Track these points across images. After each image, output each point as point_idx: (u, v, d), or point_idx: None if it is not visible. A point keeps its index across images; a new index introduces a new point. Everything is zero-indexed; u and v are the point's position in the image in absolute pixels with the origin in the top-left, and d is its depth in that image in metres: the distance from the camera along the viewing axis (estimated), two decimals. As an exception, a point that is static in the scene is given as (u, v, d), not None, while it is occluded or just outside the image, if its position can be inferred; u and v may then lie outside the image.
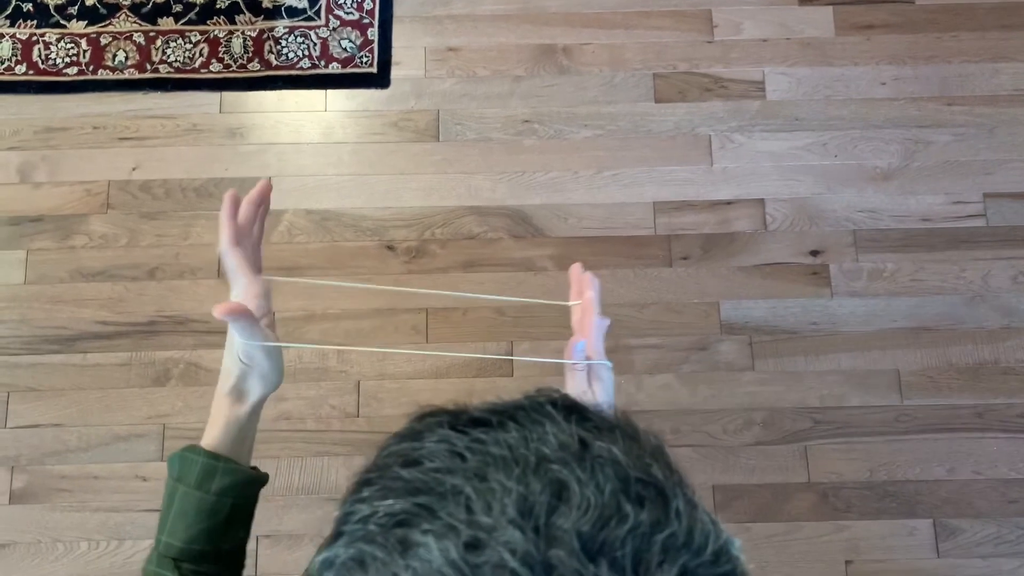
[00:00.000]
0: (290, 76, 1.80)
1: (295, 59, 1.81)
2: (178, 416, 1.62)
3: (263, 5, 1.84)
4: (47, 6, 1.83)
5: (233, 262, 0.69)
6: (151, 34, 1.82)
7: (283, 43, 1.81)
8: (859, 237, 1.72)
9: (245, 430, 0.68)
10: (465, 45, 1.83)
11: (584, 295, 0.79)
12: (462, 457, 0.33)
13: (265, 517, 1.55)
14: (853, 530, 1.58)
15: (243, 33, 1.82)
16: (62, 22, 1.82)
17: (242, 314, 0.64)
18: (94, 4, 1.83)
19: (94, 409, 1.62)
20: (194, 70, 1.79)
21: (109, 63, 1.80)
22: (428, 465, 0.34)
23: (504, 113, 1.79)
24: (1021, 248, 1.71)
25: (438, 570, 0.29)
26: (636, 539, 0.30)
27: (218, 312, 0.62)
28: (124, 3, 1.83)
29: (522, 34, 1.83)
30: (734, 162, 1.76)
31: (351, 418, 1.61)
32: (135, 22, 1.82)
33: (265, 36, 1.82)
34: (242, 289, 0.69)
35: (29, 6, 1.83)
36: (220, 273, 1.69)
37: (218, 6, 1.83)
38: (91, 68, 1.79)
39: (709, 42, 1.83)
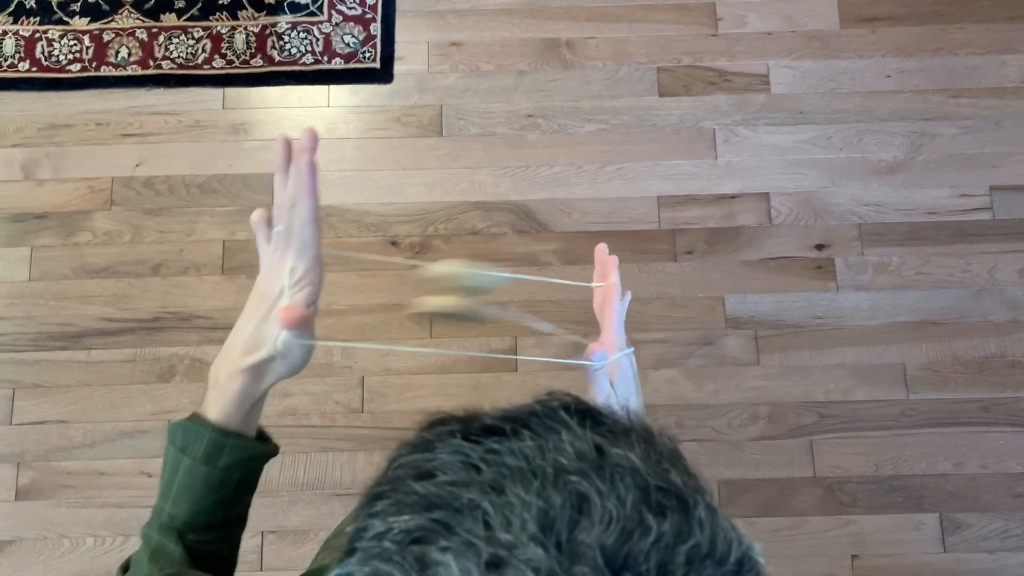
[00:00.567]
0: (293, 72, 1.79)
1: (298, 55, 1.80)
2: (183, 412, 1.60)
3: (265, 1, 1.83)
4: (50, 3, 1.83)
5: (308, 234, 0.58)
6: (154, 30, 1.81)
7: (286, 39, 1.81)
8: (864, 231, 1.71)
9: (258, 406, 0.64)
10: (468, 40, 1.82)
11: (608, 278, 0.76)
12: (477, 469, 0.32)
13: (270, 513, 1.55)
14: (859, 524, 1.57)
15: (246, 29, 1.82)
16: (65, 19, 1.82)
17: (306, 323, 0.59)
18: (96, 1, 1.83)
19: (99, 405, 1.62)
20: (197, 66, 1.79)
21: (112, 59, 1.80)
22: (442, 478, 0.32)
23: (508, 108, 1.78)
24: (1028, 241, 1.70)
25: None
26: (660, 552, 0.29)
27: (286, 323, 0.57)
28: (127, -1, 1.83)
29: (525, 28, 1.83)
30: (738, 156, 1.75)
31: (356, 413, 1.61)
32: (138, 18, 1.82)
33: (268, 32, 1.81)
34: (307, 271, 0.59)
35: (32, 2, 1.83)
36: (224, 269, 1.69)
37: (220, 2, 1.83)
38: (94, 65, 1.79)
39: (713, 35, 1.82)
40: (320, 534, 1.52)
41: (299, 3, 1.84)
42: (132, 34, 1.81)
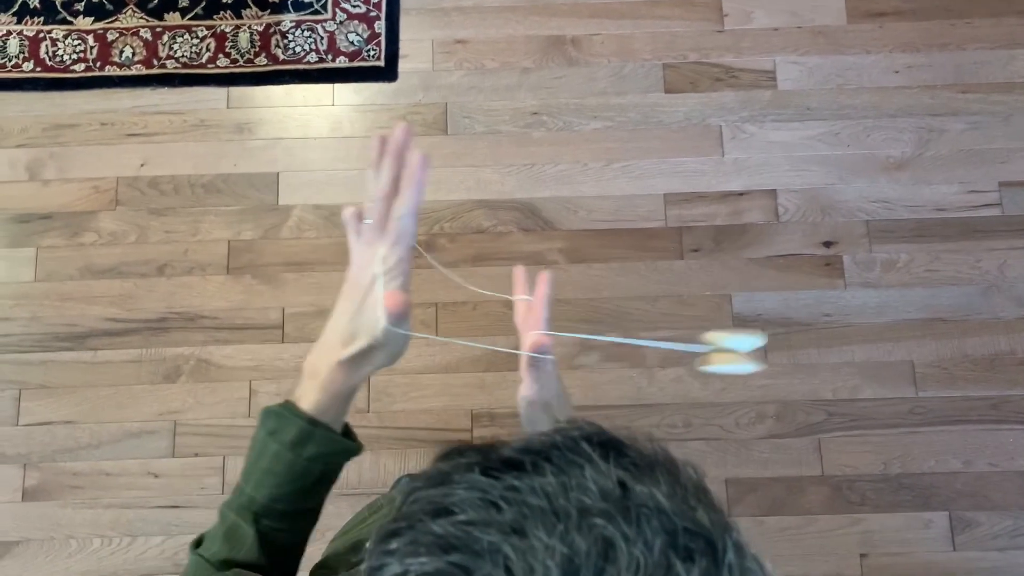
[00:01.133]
0: (297, 70, 1.79)
1: (302, 53, 1.80)
2: (189, 412, 1.62)
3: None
4: (54, 2, 1.82)
5: (407, 225, 0.59)
6: (158, 30, 1.81)
7: (290, 37, 1.80)
8: (872, 228, 1.70)
9: (351, 399, 0.63)
10: (473, 37, 1.81)
11: (537, 289, 0.73)
12: (497, 507, 0.31)
13: (277, 513, 1.55)
14: (868, 523, 1.56)
15: (250, 27, 1.81)
16: (69, 18, 1.82)
17: (407, 310, 0.60)
18: (100, 0, 1.83)
19: (105, 406, 1.62)
20: (201, 65, 1.79)
21: (116, 59, 1.79)
22: (460, 516, 0.31)
23: (513, 105, 1.77)
24: (1037, 237, 1.69)
25: None
26: None
27: (393, 308, 0.58)
28: (130, -1, 1.83)
29: (530, 25, 1.82)
30: (745, 153, 1.74)
31: (361, 413, 1.61)
32: (142, 18, 1.82)
33: (272, 30, 1.81)
34: (399, 260, 0.60)
35: (36, 2, 1.83)
36: (229, 269, 1.69)
37: (224, 1, 1.83)
38: (98, 64, 1.79)
39: (719, 31, 1.81)
40: (327, 534, 1.52)
41: (303, 1, 1.83)
42: (136, 33, 1.81)
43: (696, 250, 1.69)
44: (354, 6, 1.83)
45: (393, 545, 0.32)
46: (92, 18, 1.82)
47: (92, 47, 1.80)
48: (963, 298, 1.66)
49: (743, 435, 1.60)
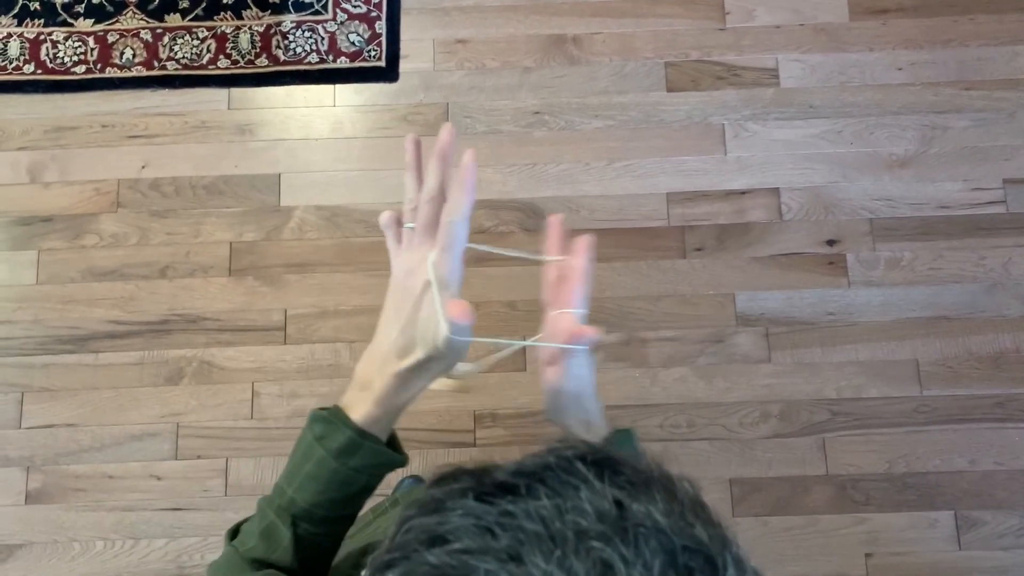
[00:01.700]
0: (298, 71, 1.78)
1: (303, 54, 1.79)
2: (191, 415, 1.62)
3: (270, 0, 1.83)
4: (54, 4, 1.82)
5: (459, 230, 0.54)
6: (158, 31, 1.81)
7: (291, 38, 1.80)
8: (876, 225, 1.69)
9: (402, 411, 0.62)
10: (474, 37, 1.81)
11: (575, 257, 0.64)
12: (492, 534, 0.30)
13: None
14: (872, 523, 1.56)
15: (250, 28, 1.81)
16: (69, 20, 1.81)
17: (473, 317, 0.56)
18: (101, 2, 1.82)
19: (108, 408, 1.62)
20: (202, 66, 1.78)
21: (117, 61, 1.79)
22: (455, 545, 0.31)
23: (514, 105, 1.77)
24: (1042, 234, 1.68)
25: None
26: None
27: (459, 318, 0.53)
28: (131, 0, 1.83)
29: (531, 24, 1.81)
30: (748, 151, 1.73)
31: (364, 415, 1.60)
32: (142, 19, 1.81)
33: (272, 31, 1.80)
34: (452, 268, 0.55)
35: (36, 5, 1.82)
36: (231, 270, 1.69)
37: (225, 1, 1.82)
38: (99, 66, 1.79)
39: (721, 29, 1.80)
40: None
41: (304, 2, 1.83)
42: (136, 35, 1.80)
43: (699, 249, 1.68)
44: (355, 6, 1.82)
45: None
46: (92, 20, 1.82)
47: (93, 49, 1.80)
48: (967, 296, 1.66)
49: (747, 435, 1.60)
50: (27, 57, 1.79)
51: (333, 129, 1.76)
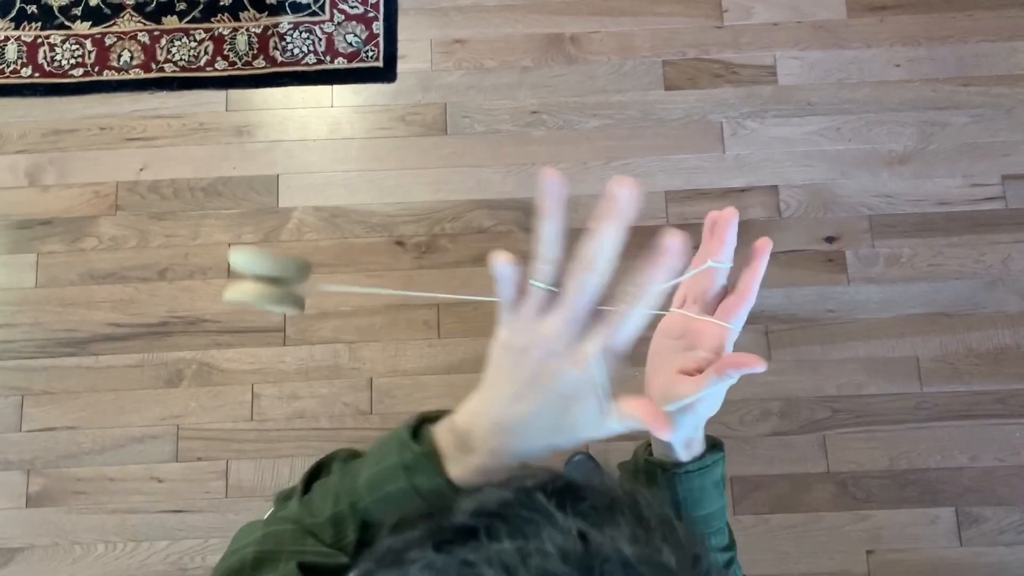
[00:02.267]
0: (296, 72, 1.78)
1: (300, 55, 1.79)
2: (192, 416, 1.62)
3: (267, 1, 1.82)
4: (51, 7, 1.82)
5: (639, 325, 0.43)
6: (155, 33, 1.81)
7: (288, 39, 1.80)
8: (875, 222, 1.69)
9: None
10: (471, 37, 1.81)
11: (753, 262, 0.54)
12: None
13: (281, 516, 1.55)
14: (874, 519, 1.56)
15: (248, 30, 1.81)
16: (66, 23, 1.81)
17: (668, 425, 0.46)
18: (98, 4, 1.82)
19: (108, 411, 1.62)
20: (199, 68, 1.78)
21: (114, 63, 1.79)
22: None
23: (512, 104, 1.77)
24: (1041, 230, 1.68)
25: None
26: None
27: (657, 427, 0.43)
28: (128, 3, 1.83)
29: (529, 24, 1.81)
30: (746, 149, 1.73)
31: (365, 415, 1.61)
32: (139, 21, 1.81)
33: (270, 33, 1.80)
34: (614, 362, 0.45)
35: (33, 8, 1.82)
36: (230, 272, 1.69)
37: (222, 3, 1.82)
38: (96, 69, 1.79)
39: (719, 27, 1.80)
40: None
41: (301, 3, 1.83)
42: (134, 37, 1.80)
43: (698, 247, 1.68)
44: (352, 7, 1.82)
45: None
46: (90, 23, 1.81)
47: (90, 52, 1.80)
48: (967, 292, 1.65)
49: (748, 432, 1.60)
50: (25, 60, 1.79)
51: (331, 130, 1.76)
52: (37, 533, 1.57)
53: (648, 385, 0.59)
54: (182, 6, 1.82)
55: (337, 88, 1.79)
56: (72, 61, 1.79)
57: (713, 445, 0.61)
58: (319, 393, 1.62)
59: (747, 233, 1.73)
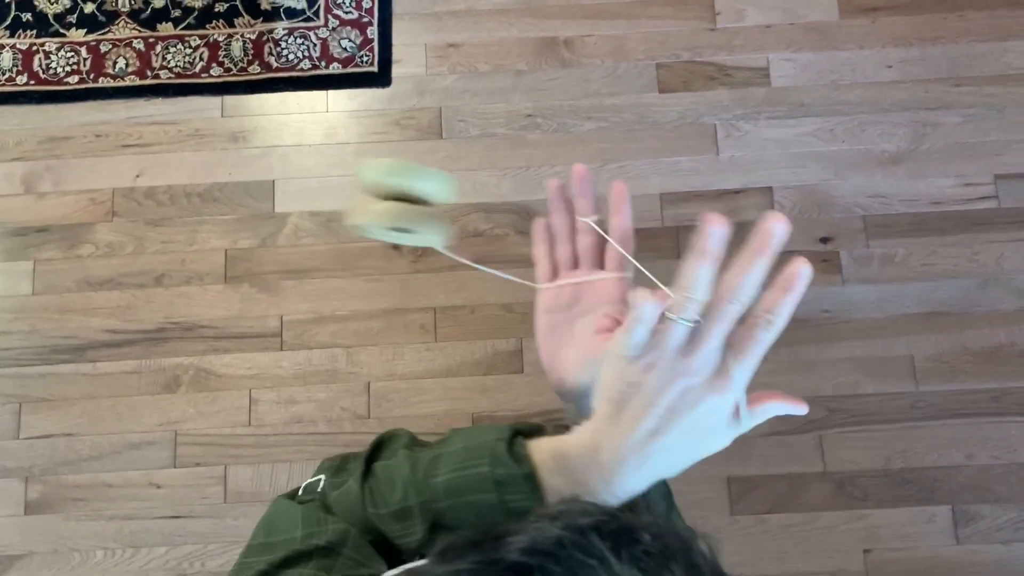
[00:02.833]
0: (291, 78, 1.79)
1: (295, 60, 1.80)
2: (189, 422, 1.62)
3: (261, 7, 1.83)
4: (46, 15, 1.82)
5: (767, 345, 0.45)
6: (151, 40, 1.81)
7: (283, 45, 1.81)
8: (869, 222, 1.70)
9: None
10: (466, 41, 1.81)
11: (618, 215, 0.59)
12: None
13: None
14: (871, 519, 1.56)
15: (242, 36, 1.81)
16: (62, 31, 1.82)
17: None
18: (93, 12, 1.83)
19: (106, 417, 1.62)
20: (195, 75, 1.79)
21: (110, 70, 1.79)
22: None
23: (507, 108, 1.77)
24: (1034, 229, 1.69)
25: None
26: None
27: (803, 407, 0.47)
28: (123, 10, 1.83)
29: (523, 28, 1.82)
30: (740, 150, 1.74)
31: (362, 419, 1.61)
32: (134, 28, 1.82)
33: (264, 38, 1.81)
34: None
35: (28, 16, 1.83)
36: (227, 278, 1.69)
37: (216, 10, 1.83)
38: (92, 76, 1.79)
39: (712, 30, 1.81)
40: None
41: (295, 9, 1.83)
42: (129, 44, 1.81)
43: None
44: (346, 12, 1.83)
45: None
46: (85, 30, 1.82)
47: (85, 59, 1.80)
48: (961, 291, 1.66)
49: (745, 433, 1.60)
50: (20, 68, 1.79)
51: (327, 135, 1.77)
52: (36, 540, 1.57)
53: (555, 364, 0.59)
54: (177, 13, 1.83)
55: (332, 93, 1.79)
56: (67, 68, 1.79)
57: None
58: (317, 398, 1.62)
59: (742, 233, 1.73)
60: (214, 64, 1.79)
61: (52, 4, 1.83)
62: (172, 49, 1.80)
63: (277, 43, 1.80)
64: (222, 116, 1.77)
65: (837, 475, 1.58)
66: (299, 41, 1.81)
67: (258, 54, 1.80)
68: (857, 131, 1.74)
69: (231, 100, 1.78)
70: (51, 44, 1.81)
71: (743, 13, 1.82)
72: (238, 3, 1.83)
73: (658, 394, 0.46)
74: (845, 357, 1.63)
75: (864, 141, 1.74)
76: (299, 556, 0.49)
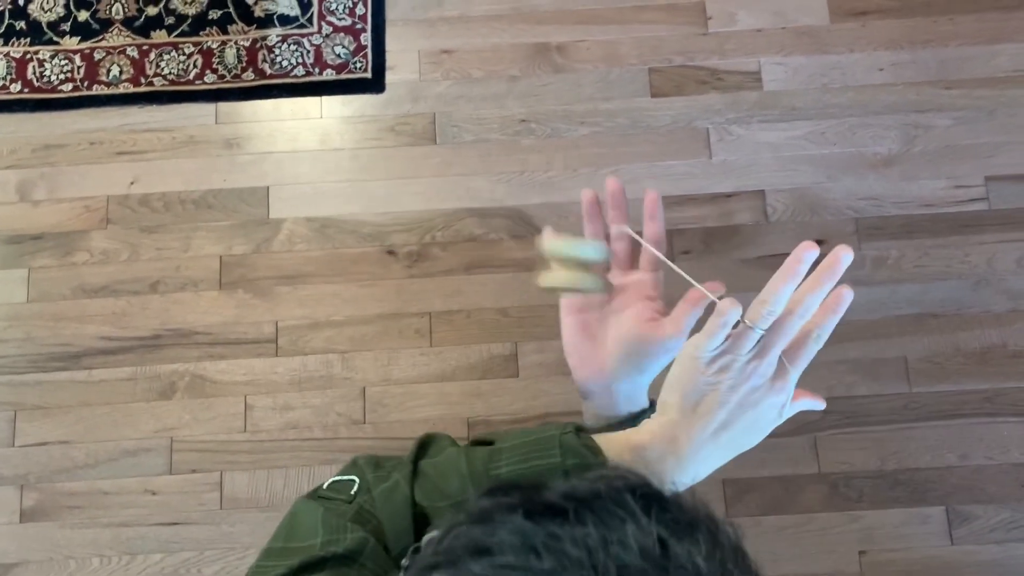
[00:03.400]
0: (285, 84, 1.79)
1: (289, 67, 1.80)
2: (185, 429, 1.62)
3: (255, 14, 1.84)
4: (40, 23, 1.83)
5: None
6: (144, 47, 1.81)
7: (276, 51, 1.81)
8: (861, 225, 1.71)
9: None
10: (459, 47, 1.82)
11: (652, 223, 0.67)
12: (536, 553, 0.31)
13: (275, 526, 1.55)
14: (866, 520, 1.57)
15: (236, 43, 1.82)
16: (55, 39, 1.82)
17: None
18: (87, 20, 1.83)
19: (101, 425, 1.62)
20: (189, 82, 1.79)
21: (104, 78, 1.80)
22: (499, 559, 0.31)
23: (501, 113, 1.78)
24: (1025, 230, 1.70)
25: None
26: None
27: (821, 403, 0.58)
28: (117, 17, 1.83)
29: (516, 34, 1.83)
30: (733, 154, 1.75)
31: (358, 425, 1.61)
32: (128, 36, 1.82)
33: (258, 45, 1.81)
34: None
35: (22, 24, 1.83)
36: (222, 284, 1.69)
37: (210, 17, 1.83)
38: (86, 84, 1.79)
39: (704, 34, 1.82)
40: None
41: (289, 16, 1.84)
42: (123, 52, 1.81)
43: (687, 252, 1.70)
44: (339, 19, 1.83)
45: None
46: (79, 38, 1.82)
47: (79, 67, 1.80)
48: (953, 293, 1.67)
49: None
50: (14, 76, 1.80)
51: (321, 141, 1.77)
52: (31, 548, 1.57)
53: (588, 360, 0.66)
54: (170, 20, 1.83)
55: (326, 99, 1.80)
56: (61, 76, 1.79)
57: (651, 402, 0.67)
58: (312, 403, 1.63)
59: (735, 236, 1.73)
60: (208, 71, 1.80)
61: (46, 12, 1.83)
62: (166, 56, 1.81)
63: (271, 50, 1.81)
64: (216, 123, 1.78)
65: (832, 477, 1.59)
66: (293, 48, 1.81)
67: (252, 61, 1.80)
68: (848, 134, 1.75)
69: (225, 107, 1.79)
70: (45, 52, 1.81)
71: (735, 17, 1.83)
72: (232, 10, 1.83)
73: (730, 392, 0.54)
74: (839, 359, 1.64)
75: (856, 144, 1.75)
76: (316, 563, 0.52)
